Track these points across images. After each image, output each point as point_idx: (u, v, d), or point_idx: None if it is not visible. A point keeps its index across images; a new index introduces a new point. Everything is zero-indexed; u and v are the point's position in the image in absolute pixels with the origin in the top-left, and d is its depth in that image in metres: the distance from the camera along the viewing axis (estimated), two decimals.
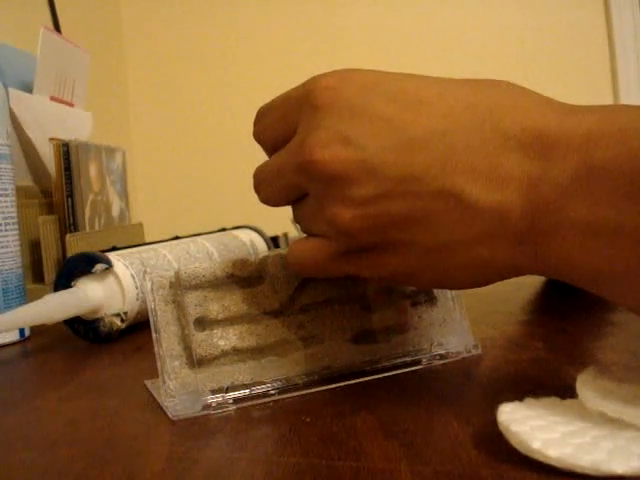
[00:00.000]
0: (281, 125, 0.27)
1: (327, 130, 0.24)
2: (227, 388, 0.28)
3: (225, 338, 0.29)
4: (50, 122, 0.68)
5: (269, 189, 0.28)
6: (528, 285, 0.54)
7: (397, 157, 0.23)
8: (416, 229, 0.23)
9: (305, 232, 0.29)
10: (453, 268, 0.24)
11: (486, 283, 0.25)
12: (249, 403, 0.27)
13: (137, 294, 0.43)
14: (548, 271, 0.22)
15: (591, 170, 0.20)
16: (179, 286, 0.28)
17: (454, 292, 0.32)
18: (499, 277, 0.24)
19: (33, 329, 0.47)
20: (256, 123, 0.28)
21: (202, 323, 0.29)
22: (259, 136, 0.28)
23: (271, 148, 0.28)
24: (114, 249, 0.47)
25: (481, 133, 0.22)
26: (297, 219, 0.29)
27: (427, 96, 0.24)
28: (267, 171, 0.28)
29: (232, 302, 0.29)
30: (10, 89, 0.61)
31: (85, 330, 0.43)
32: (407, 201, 0.23)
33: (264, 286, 0.30)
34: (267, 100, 0.28)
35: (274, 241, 0.64)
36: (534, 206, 0.21)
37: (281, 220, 0.90)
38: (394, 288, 0.31)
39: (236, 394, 0.28)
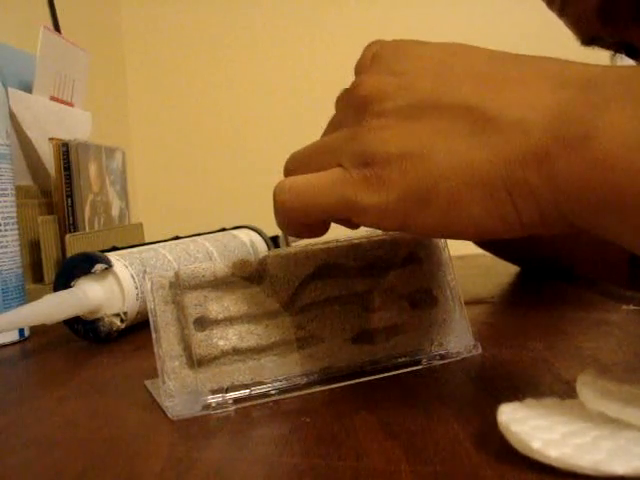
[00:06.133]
0: None
1: (379, 66, 0.27)
2: (227, 388, 0.28)
3: (225, 338, 0.28)
4: (50, 122, 0.68)
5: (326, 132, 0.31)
6: (528, 285, 0.54)
7: (434, 78, 0.26)
8: (439, 140, 0.24)
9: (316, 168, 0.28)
10: (463, 200, 0.23)
11: (494, 225, 0.23)
12: (249, 403, 0.27)
13: (137, 294, 0.43)
14: (557, 195, 0.21)
15: (632, 78, 0.21)
16: (179, 286, 0.28)
17: (454, 292, 0.32)
18: (510, 210, 0.23)
19: (33, 329, 0.47)
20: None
21: (202, 323, 0.28)
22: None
23: None
24: (114, 249, 0.47)
25: (520, 67, 0.25)
26: (318, 156, 0.28)
27: (475, 51, 0.26)
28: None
29: (232, 302, 0.29)
30: (10, 89, 0.61)
31: (85, 330, 0.43)
32: (436, 111, 0.25)
33: (264, 286, 0.30)
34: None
35: (274, 241, 0.64)
36: (563, 117, 0.22)
37: None
38: (394, 288, 0.31)
39: (236, 394, 0.28)
